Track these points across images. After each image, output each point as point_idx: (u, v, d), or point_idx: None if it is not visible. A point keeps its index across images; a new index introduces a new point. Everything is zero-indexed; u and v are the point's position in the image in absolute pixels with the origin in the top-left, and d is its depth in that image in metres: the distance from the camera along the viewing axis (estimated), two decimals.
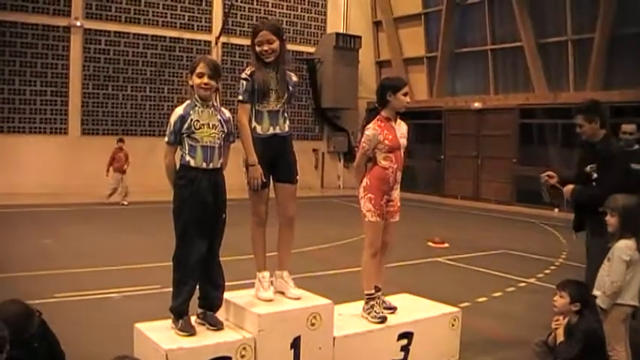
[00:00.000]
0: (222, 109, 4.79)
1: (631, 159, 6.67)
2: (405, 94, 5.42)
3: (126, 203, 16.73)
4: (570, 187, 5.94)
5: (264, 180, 4.85)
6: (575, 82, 18.05)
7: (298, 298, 4.97)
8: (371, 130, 5.40)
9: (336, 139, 23.88)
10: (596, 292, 5.06)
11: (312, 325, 4.79)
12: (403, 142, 5.51)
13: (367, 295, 5.44)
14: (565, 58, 18.30)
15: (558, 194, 6.21)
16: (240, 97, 4.89)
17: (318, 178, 23.59)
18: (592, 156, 5.91)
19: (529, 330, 6.20)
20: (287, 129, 5.01)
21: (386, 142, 5.34)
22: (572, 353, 4.93)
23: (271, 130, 4.90)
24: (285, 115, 5.00)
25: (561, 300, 5.16)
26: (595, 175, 5.79)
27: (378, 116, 5.49)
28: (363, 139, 5.46)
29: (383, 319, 5.33)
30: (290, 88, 4.99)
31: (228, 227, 4.82)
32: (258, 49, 4.85)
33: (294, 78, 5.09)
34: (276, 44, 4.86)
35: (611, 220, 5.07)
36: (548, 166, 18.28)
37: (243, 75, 4.91)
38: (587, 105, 6.01)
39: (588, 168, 5.87)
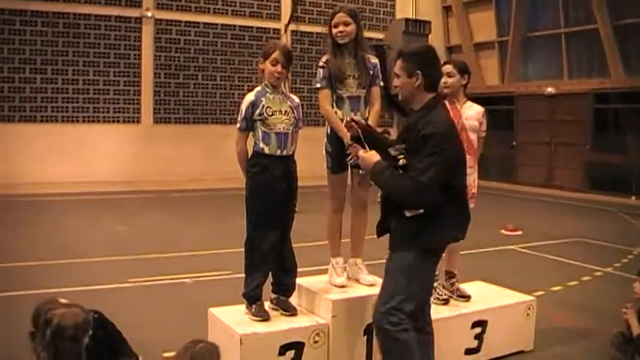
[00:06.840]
0: (292, 95, 4.82)
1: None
2: None
3: None
4: (375, 157, 3.98)
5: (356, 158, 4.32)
6: None
7: (372, 285, 4.94)
8: None
9: None
10: None
11: None
12: (469, 124, 5.43)
13: None
14: None
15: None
16: (318, 85, 4.90)
17: None
18: (405, 131, 4.02)
19: (606, 320, 6.01)
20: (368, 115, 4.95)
21: None
22: None
23: (352, 116, 4.81)
24: (368, 100, 4.96)
25: None
26: (402, 162, 3.86)
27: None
28: None
29: None
30: (370, 72, 4.92)
31: (299, 214, 4.82)
32: (334, 30, 4.84)
33: (373, 60, 5.00)
34: (351, 27, 4.82)
35: None
36: (624, 153, 17.93)
37: (320, 63, 4.92)
38: (411, 50, 4.04)
39: (393, 150, 3.93)
